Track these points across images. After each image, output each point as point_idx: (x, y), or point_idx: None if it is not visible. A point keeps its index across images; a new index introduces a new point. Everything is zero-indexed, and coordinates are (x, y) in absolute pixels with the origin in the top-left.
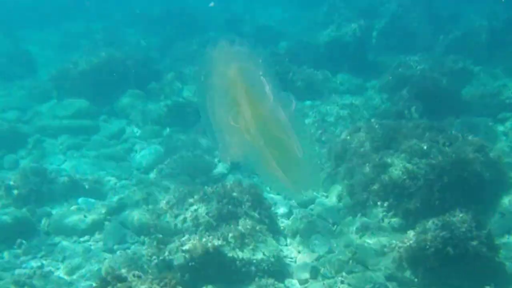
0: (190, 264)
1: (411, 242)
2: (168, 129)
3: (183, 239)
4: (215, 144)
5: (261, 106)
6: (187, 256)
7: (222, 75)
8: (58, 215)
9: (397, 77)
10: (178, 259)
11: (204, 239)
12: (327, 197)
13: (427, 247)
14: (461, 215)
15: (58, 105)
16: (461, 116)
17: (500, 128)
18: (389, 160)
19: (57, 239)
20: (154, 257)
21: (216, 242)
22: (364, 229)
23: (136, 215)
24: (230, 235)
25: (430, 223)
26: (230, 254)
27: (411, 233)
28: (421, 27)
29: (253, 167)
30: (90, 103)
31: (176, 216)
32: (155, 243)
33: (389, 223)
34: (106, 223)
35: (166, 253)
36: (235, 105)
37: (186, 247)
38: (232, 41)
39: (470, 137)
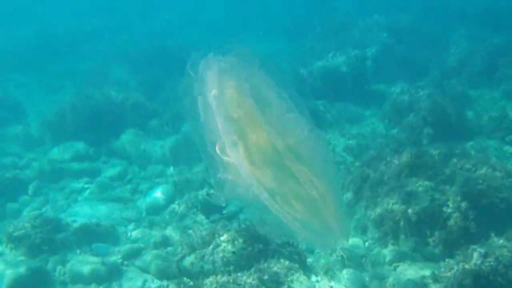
0: None
1: (455, 272)
2: (171, 168)
3: (218, 281)
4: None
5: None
6: None
7: (209, 97)
8: (73, 263)
9: (400, 103)
10: None
11: (238, 281)
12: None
13: (475, 275)
14: (501, 241)
15: (55, 149)
16: (470, 139)
17: (510, 150)
18: (415, 189)
19: None
20: None
21: (252, 283)
22: (397, 261)
23: (155, 259)
24: (266, 277)
25: (471, 251)
26: None
27: (451, 262)
28: (412, 54)
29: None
30: (88, 145)
31: (201, 258)
32: (183, 286)
33: (421, 253)
34: (124, 268)
35: None
36: (229, 132)
37: None
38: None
39: (493, 162)
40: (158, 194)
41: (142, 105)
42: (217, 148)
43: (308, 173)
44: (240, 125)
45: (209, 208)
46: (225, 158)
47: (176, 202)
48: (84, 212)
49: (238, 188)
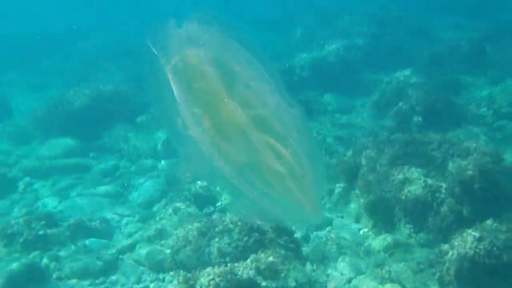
0: None
1: (450, 256)
2: (162, 162)
3: (216, 272)
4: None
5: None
6: None
7: (168, 69)
8: (68, 258)
9: (390, 92)
10: None
11: (235, 271)
12: (342, 217)
13: (470, 259)
14: (496, 224)
15: (44, 145)
16: (459, 126)
17: (498, 136)
18: (408, 176)
19: (70, 283)
20: None
21: (249, 273)
22: (392, 247)
23: (150, 252)
24: (263, 266)
25: (466, 235)
26: (264, 284)
27: (446, 247)
28: (400, 43)
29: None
30: (77, 140)
31: (197, 250)
32: (181, 278)
33: (415, 239)
34: (120, 262)
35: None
36: (190, 105)
37: (217, 280)
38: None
39: (483, 147)
40: (150, 188)
41: (131, 99)
42: (179, 122)
43: (279, 147)
44: (202, 96)
45: (202, 201)
46: (187, 132)
47: (168, 195)
48: (76, 207)
49: (202, 163)
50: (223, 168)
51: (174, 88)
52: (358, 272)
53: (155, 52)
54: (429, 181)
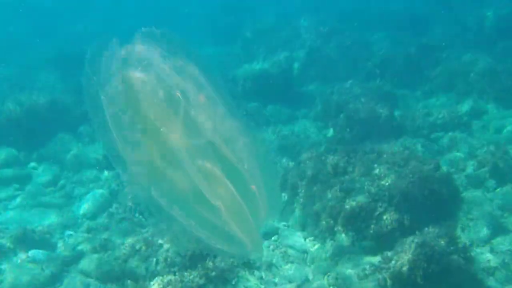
0: None
1: (394, 262)
2: (106, 172)
3: (164, 281)
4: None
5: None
6: None
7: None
8: (11, 270)
9: (330, 104)
10: None
11: (185, 279)
12: (288, 226)
13: (411, 266)
14: (436, 231)
15: None
16: (398, 138)
17: (435, 147)
18: (351, 186)
19: None
20: None
21: (199, 281)
22: (337, 255)
23: (97, 262)
24: (213, 273)
25: (409, 242)
26: None
27: (389, 254)
28: (338, 56)
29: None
30: (15, 150)
31: (145, 259)
32: None
33: (360, 246)
34: (65, 274)
35: None
36: (132, 129)
37: None
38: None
39: (422, 157)
40: (94, 198)
41: (72, 109)
42: (122, 142)
43: (221, 179)
44: (139, 122)
45: (149, 210)
46: (123, 155)
47: (114, 206)
48: (16, 219)
49: (139, 189)
50: (158, 197)
51: (107, 113)
52: (305, 279)
53: (90, 76)
54: (373, 190)
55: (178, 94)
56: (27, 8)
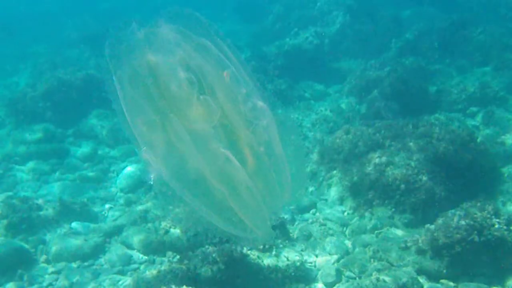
0: (217, 276)
1: (435, 233)
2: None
3: (207, 251)
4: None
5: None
6: (214, 268)
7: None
8: (55, 241)
9: (364, 80)
10: (205, 272)
11: (227, 249)
12: (326, 200)
13: (453, 236)
14: (478, 204)
15: (18, 131)
16: (432, 113)
17: (471, 122)
18: (389, 159)
19: (58, 266)
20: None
21: (241, 250)
22: (376, 228)
23: (139, 234)
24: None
25: (451, 213)
26: (255, 262)
27: (431, 227)
28: (370, 32)
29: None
30: (53, 126)
31: (187, 231)
32: (176, 259)
33: (399, 219)
34: (107, 245)
35: (191, 268)
36: (146, 112)
37: (210, 259)
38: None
39: (457, 130)
40: (132, 172)
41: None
42: (140, 125)
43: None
44: (161, 103)
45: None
46: (142, 138)
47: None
48: (56, 192)
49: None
50: (173, 180)
51: (120, 95)
52: (345, 252)
53: (109, 60)
54: (412, 163)
55: (205, 71)
56: None
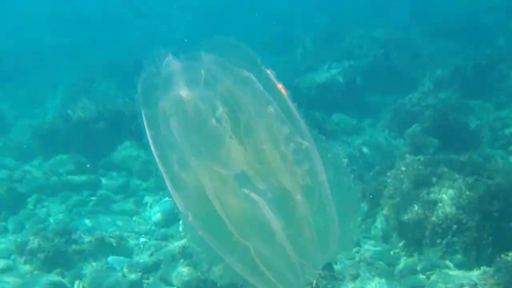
0: None
1: (496, 279)
2: None
3: None
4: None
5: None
6: None
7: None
8: (92, 276)
9: (402, 114)
10: None
11: None
12: (370, 238)
13: None
14: None
15: (49, 162)
16: (473, 149)
17: None
18: (438, 196)
19: None
20: None
21: None
22: (428, 269)
23: (181, 270)
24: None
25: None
26: None
27: (486, 269)
28: (403, 66)
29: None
30: (84, 157)
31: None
32: None
33: (451, 260)
34: (145, 281)
35: None
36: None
37: None
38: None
39: (506, 169)
40: (165, 206)
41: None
42: (175, 166)
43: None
44: (199, 144)
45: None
46: (182, 176)
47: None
48: (89, 225)
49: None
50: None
51: (150, 131)
52: None
53: (141, 93)
54: (463, 202)
55: (246, 107)
56: (82, 20)
